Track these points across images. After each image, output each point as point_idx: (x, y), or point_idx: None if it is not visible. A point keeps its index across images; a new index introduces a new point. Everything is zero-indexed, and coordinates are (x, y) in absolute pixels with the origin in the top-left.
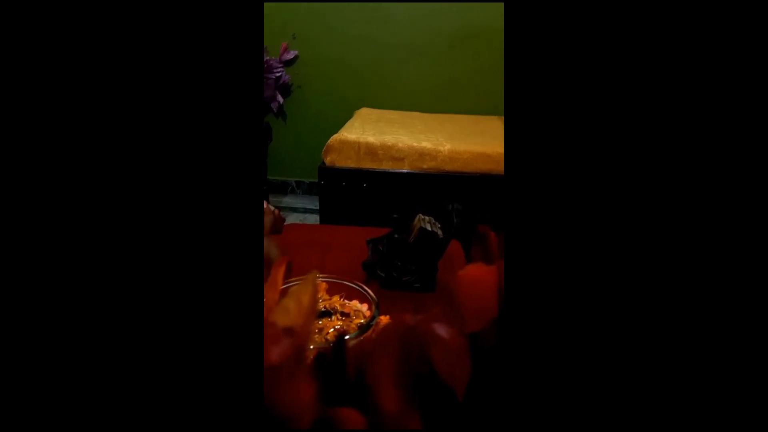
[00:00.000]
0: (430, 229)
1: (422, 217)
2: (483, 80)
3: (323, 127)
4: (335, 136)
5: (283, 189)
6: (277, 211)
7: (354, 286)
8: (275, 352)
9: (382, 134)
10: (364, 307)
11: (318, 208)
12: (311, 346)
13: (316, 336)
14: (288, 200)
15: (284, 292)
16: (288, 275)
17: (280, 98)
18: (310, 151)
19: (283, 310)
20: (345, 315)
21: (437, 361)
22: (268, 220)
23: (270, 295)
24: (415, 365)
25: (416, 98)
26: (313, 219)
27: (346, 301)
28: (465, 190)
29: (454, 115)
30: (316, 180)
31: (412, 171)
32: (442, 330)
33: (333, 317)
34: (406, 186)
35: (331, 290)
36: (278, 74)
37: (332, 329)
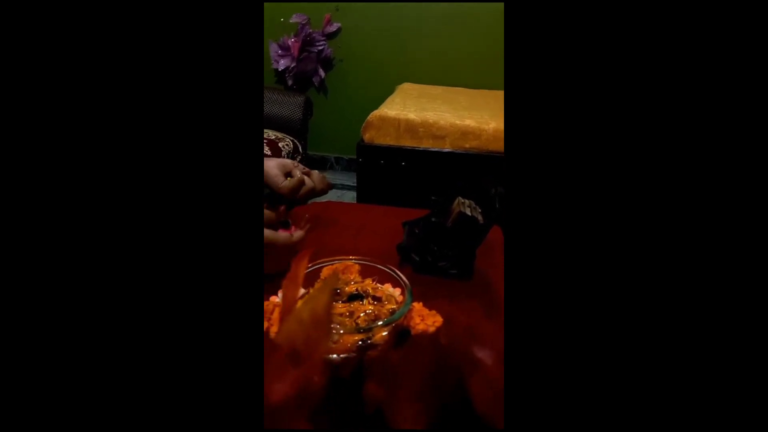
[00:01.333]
0: (469, 213)
1: (462, 200)
2: None
3: (364, 102)
4: (375, 113)
5: (323, 164)
6: (309, 171)
7: (387, 269)
8: (277, 390)
9: (423, 111)
10: (397, 292)
11: (356, 185)
12: (332, 347)
13: (347, 320)
14: (327, 176)
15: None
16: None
17: (321, 72)
18: (351, 127)
19: (287, 331)
20: (377, 299)
21: (475, 393)
22: (303, 182)
23: (289, 291)
24: (446, 392)
25: (461, 73)
26: (351, 196)
27: (379, 285)
28: None
29: (501, 92)
30: (355, 156)
31: (453, 150)
32: (483, 354)
33: (364, 301)
34: (447, 166)
35: (364, 273)
36: (320, 47)
37: (363, 314)
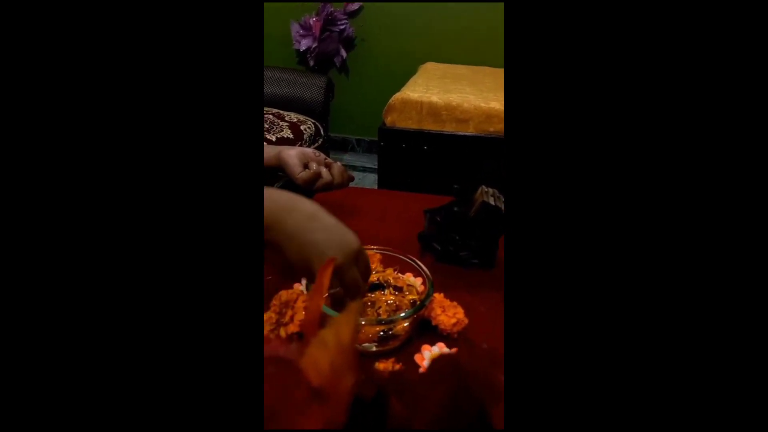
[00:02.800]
0: (493, 203)
1: (485, 189)
2: None
3: (386, 82)
4: (397, 95)
5: (344, 146)
6: (331, 163)
7: (408, 260)
8: (301, 424)
9: (446, 93)
10: (418, 282)
11: (375, 167)
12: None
13: (369, 309)
14: (348, 158)
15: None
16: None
17: (343, 52)
18: (372, 108)
19: (312, 356)
20: (398, 289)
21: (497, 424)
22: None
23: (313, 302)
24: (466, 419)
25: (486, 51)
26: (372, 178)
27: (400, 275)
28: None
29: None
30: (377, 138)
31: (477, 134)
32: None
33: (386, 291)
34: (470, 150)
35: (385, 262)
36: (342, 27)
37: (385, 303)
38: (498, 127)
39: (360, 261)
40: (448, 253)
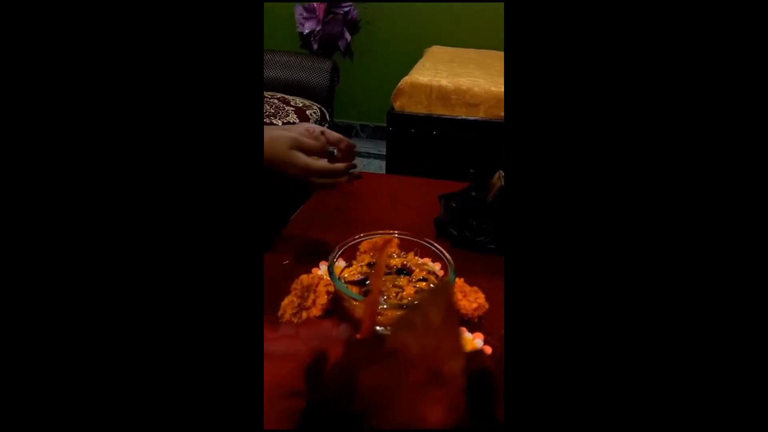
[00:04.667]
0: None
1: (503, 174)
2: None
3: (391, 67)
4: (406, 79)
5: (348, 132)
6: (339, 139)
7: (428, 245)
8: (433, 414)
9: (456, 76)
10: (437, 267)
11: (381, 153)
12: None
13: (392, 293)
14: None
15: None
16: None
17: (347, 35)
18: (377, 93)
19: (398, 336)
20: (423, 279)
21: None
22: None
23: (374, 282)
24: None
25: (494, 35)
26: (377, 164)
27: (418, 259)
28: None
29: None
30: (382, 124)
31: (487, 119)
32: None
33: (412, 276)
34: (480, 136)
35: (403, 246)
36: (347, 9)
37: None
38: None
39: (305, 145)
40: (464, 239)
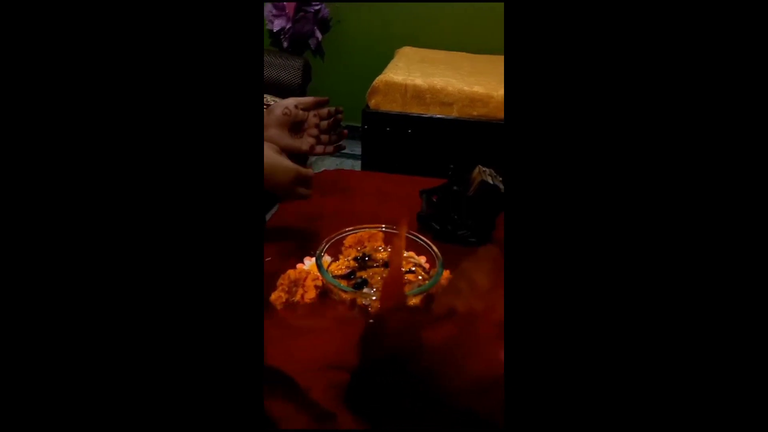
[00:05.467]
0: (491, 182)
1: (483, 168)
2: None
3: (362, 67)
4: (380, 77)
5: None
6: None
7: (416, 239)
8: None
9: (429, 76)
10: (422, 260)
11: (353, 152)
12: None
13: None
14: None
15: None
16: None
17: (318, 34)
18: (348, 93)
19: (447, 298)
20: (410, 271)
21: None
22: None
23: (394, 260)
24: None
25: (463, 37)
26: (349, 164)
27: (404, 252)
28: None
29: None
30: (353, 123)
31: (461, 118)
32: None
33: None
34: (454, 134)
35: (387, 240)
36: (317, 7)
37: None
38: (481, 111)
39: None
40: (446, 232)
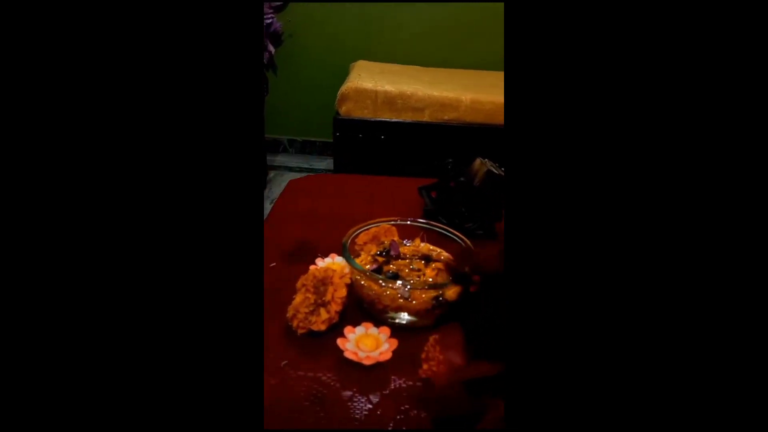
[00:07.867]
0: (496, 172)
1: (483, 160)
2: (486, 32)
3: (317, 81)
4: (349, 85)
5: (275, 147)
6: None
7: (442, 231)
8: None
9: (396, 84)
10: (445, 253)
11: (313, 166)
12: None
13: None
14: (281, 159)
15: None
16: None
17: (271, 48)
18: (304, 107)
19: None
20: (428, 259)
21: None
22: None
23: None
24: None
25: (416, 51)
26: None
27: (429, 245)
28: (489, 143)
29: (461, 70)
30: (310, 138)
31: (432, 122)
32: None
33: (433, 265)
34: (426, 138)
35: (402, 235)
36: (268, 21)
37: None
38: (452, 115)
39: None
40: (453, 226)
